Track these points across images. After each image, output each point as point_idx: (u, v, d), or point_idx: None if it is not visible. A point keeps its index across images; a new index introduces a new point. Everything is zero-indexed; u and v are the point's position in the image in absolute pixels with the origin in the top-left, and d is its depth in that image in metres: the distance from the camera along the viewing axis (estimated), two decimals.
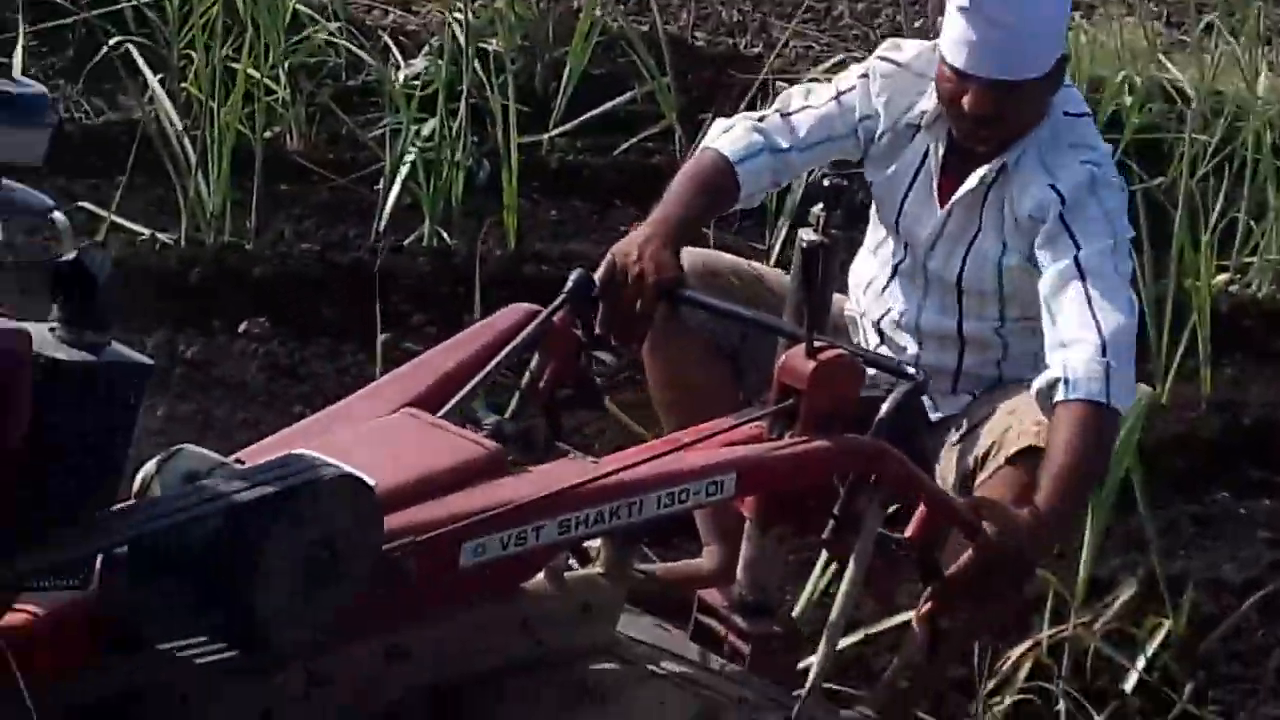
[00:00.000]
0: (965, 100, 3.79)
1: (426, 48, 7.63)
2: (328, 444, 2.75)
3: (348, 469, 2.46)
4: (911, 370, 3.50)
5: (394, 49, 7.22)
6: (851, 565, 3.19)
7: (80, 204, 6.03)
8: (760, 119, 4.03)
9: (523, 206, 6.85)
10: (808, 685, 3.14)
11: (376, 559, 2.47)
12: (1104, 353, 3.61)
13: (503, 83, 7.00)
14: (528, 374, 3.39)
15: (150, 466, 2.45)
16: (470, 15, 7.26)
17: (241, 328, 5.69)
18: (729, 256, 4.29)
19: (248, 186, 6.36)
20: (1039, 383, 3.65)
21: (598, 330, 3.54)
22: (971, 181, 3.91)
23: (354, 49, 7.41)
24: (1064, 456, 3.53)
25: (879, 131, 4.04)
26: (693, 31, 9.30)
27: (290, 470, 2.41)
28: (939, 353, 4.03)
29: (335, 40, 7.55)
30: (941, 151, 3.97)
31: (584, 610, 3.10)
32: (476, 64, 7.00)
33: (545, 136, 7.50)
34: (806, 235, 3.61)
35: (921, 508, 3.26)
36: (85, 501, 2.26)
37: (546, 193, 7.24)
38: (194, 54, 6.57)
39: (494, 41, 7.72)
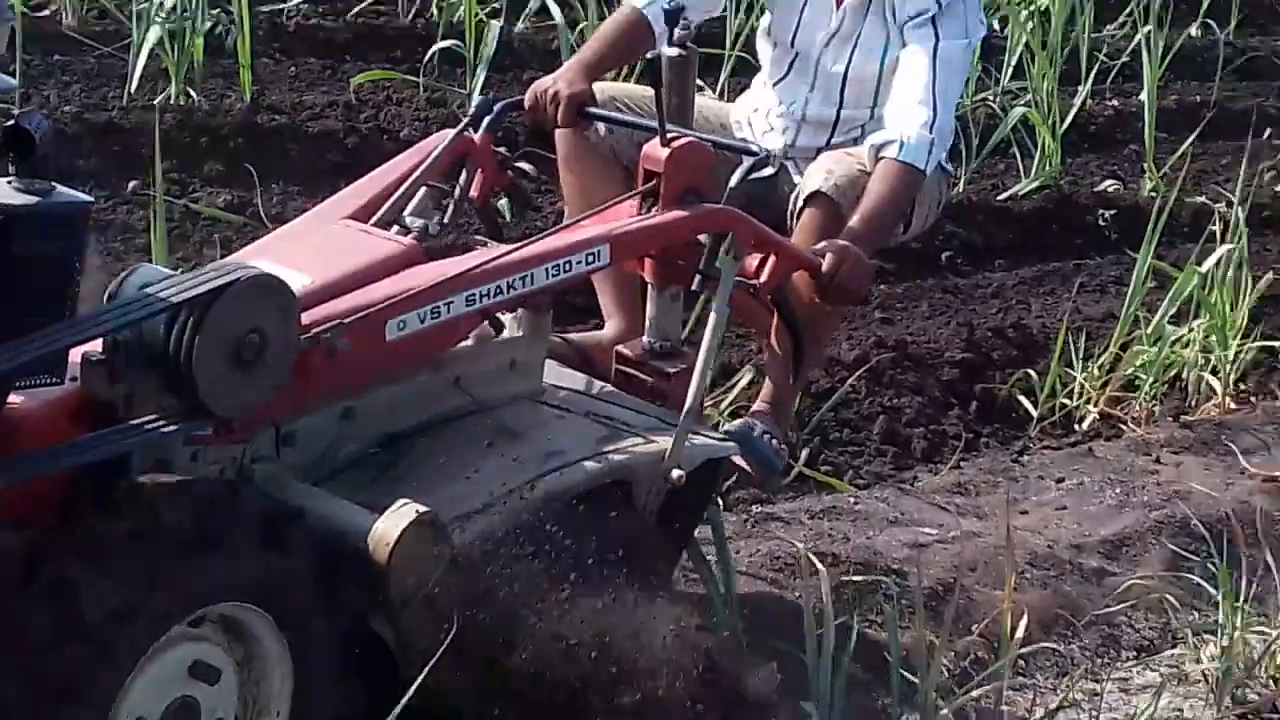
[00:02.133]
0: None
1: None
2: (275, 253, 3.32)
3: (265, 271, 2.87)
4: (754, 147, 4.08)
5: None
6: (714, 308, 3.72)
7: None
8: None
9: (264, 66, 7.42)
10: (686, 405, 3.63)
11: (299, 342, 2.90)
12: (931, 129, 4.39)
13: None
14: (458, 186, 3.83)
15: (115, 281, 2.87)
16: None
17: None
18: (630, 86, 4.91)
19: (23, 58, 6.66)
20: (875, 139, 4.40)
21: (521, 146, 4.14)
22: None
23: None
24: (880, 201, 4.29)
25: None
26: None
27: (219, 275, 2.78)
28: (813, 137, 4.72)
29: None
30: None
31: (510, 366, 3.59)
32: None
33: (285, 5, 7.92)
34: (665, 51, 4.09)
35: (771, 257, 3.80)
36: (50, 312, 2.66)
37: (286, 53, 7.67)
38: None
39: None
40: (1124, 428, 5.67)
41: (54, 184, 2.69)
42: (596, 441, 3.51)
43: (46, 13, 7.55)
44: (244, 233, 5.65)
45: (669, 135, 3.73)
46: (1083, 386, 5.72)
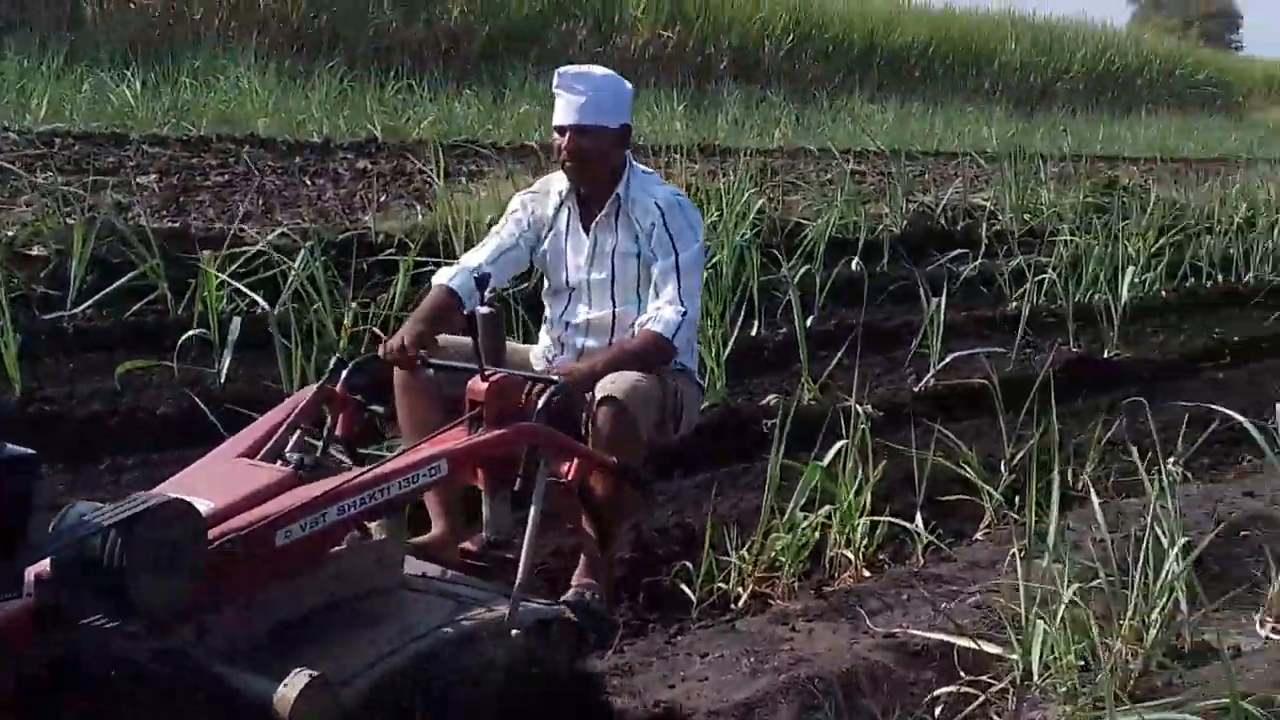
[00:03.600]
0: (565, 145, 5.11)
1: None
2: (185, 484, 3.49)
3: (174, 496, 3.11)
4: (555, 377, 4.41)
5: None
6: (534, 503, 4.03)
7: None
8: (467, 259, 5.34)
9: (45, 364, 7.20)
10: (517, 581, 3.86)
11: (207, 553, 3.10)
12: (682, 316, 5.09)
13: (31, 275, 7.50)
14: (325, 426, 4.13)
15: (59, 514, 3.02)
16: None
17: None
18: (454, 337, 5.09)
19: None
20: (641, 319, 5.10)
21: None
22: (601, 212, 5.22)
23: None
24: (628, 350, 5.02)
25: (535, 223, 5.37)
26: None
27: (139, 502, 2.98)
28: (600, 338, 5.27)
29: None
30: (575, 204, 5.29)
31: (377, 563, 3.79)
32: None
33: (66, 312, 7.75)
34: (479, 310, 4.40)
35: (574, 460, 4.25)
36: (8, 539, 2.84)
37: (66, 351, 7.45)
38: None
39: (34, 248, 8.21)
40: (771, 603, 5.53)
41: (4, 443, 2.89)
42: (448, 613, 3.71)
43: None
44: None
45: (487, 372, 4.09)
46: (737, 571, 5.59)
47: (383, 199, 11.51)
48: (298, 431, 4.00)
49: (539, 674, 3.81)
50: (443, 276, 5.24)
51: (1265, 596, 5.81)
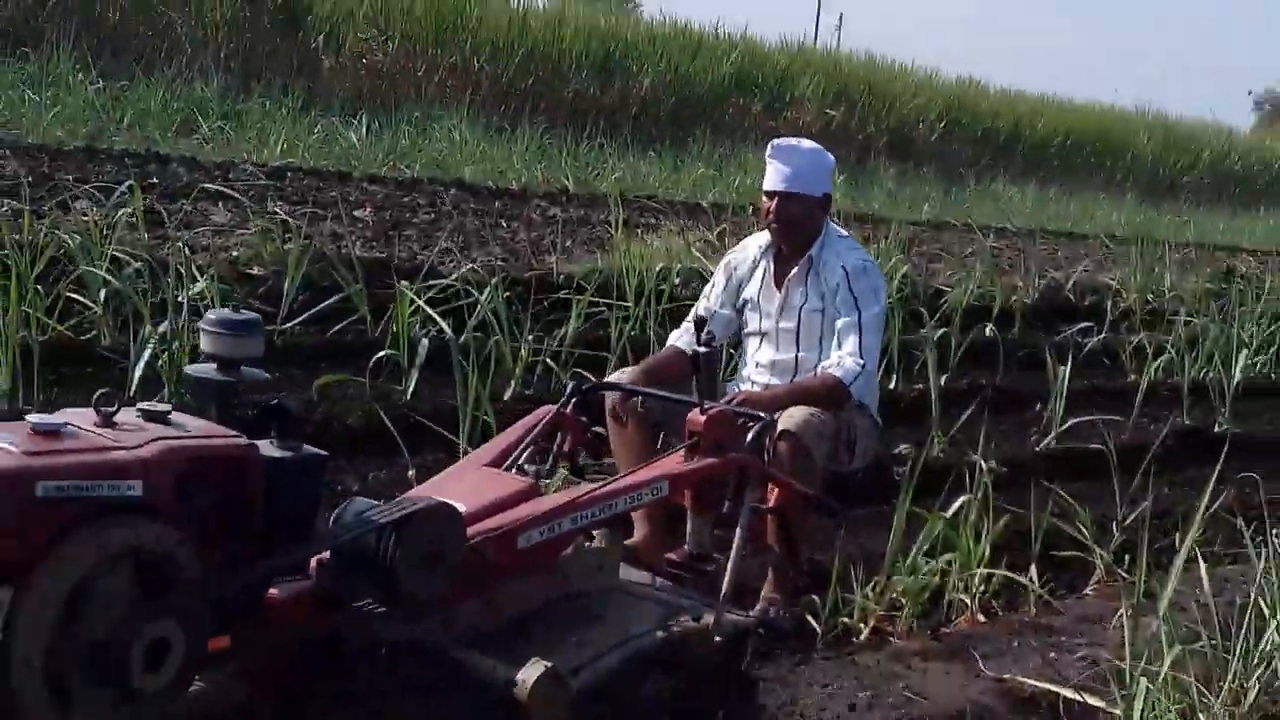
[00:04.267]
0: (773, 208, 5.11)
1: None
2: (442, 489, 3.59)
3: (441, 500, 3.23)
4: (762, 415, 4.35)
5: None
6: (740, 525, 4.05)
7: None
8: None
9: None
10: (722, 593, 3.92)
11: (464, 551, 3.20)
12: (861, 368, 5.02)
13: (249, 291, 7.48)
14: (555, 443, 4.27)
15: (337, 510, 3.16)
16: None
17: None
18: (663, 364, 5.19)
19: None
20: (825, 366, 5.03)
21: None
22: (794, 269, 5.17)
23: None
24: (806, 387, 4.99)
25: (736, 281, 5.39)
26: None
27: (410, 504, 3.13)
28: (783, 377, 5.22)
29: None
30: (772, 260, 5.27)
31: (598, 566, 3.83)
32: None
33: (276, 327, 7.65)
34: (699, 349, 4.39)
35: (775, 489, 4.34)
36: (304, 528, 2.99)
37: (275, 362, 7.21)
38: None
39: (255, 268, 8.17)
40: (890, 640, 5.28)
41: (301, 444, 3.01)
42: (660, 618, 3.74)
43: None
44: None
45: (706, 406, 4.14)
46: (860, 608, 5.33)
47: (567, 244, 11.41)
48: (531, 447, 4.11)
49: (730, 677, 3.91)
50: (673, 337, 5.42)
51: None
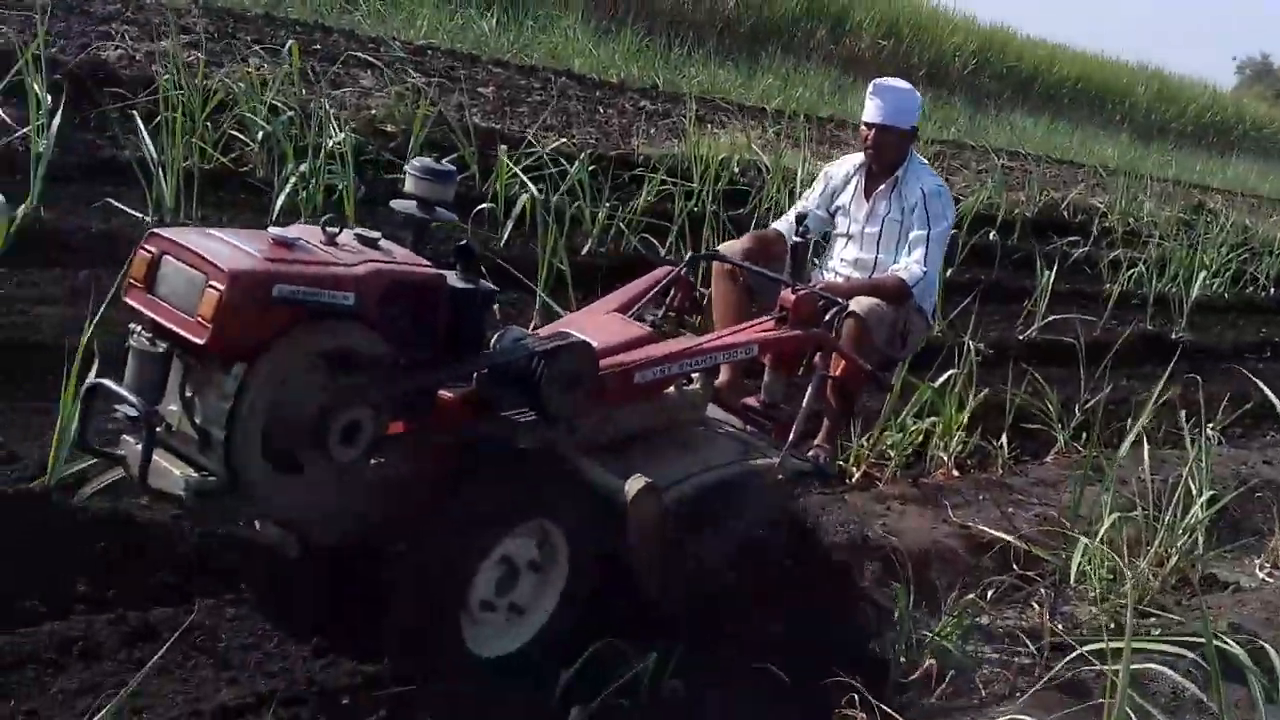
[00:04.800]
0: (870, 137, 5.03)
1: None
2: (580, 326, 3.55)
3: (582, 338, 3.24)
4: (839, 300, 4.19)
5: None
6: (811, 388, 3.95)
7: None
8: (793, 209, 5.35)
9: (379, 211, 6.85)
10: (789, 439, 3.86)
11: (595, 380, 3.21)
12: (924, 273, 4.88)
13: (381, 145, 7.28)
14: (666, 298, 4.23)
15: (496, 335, 3.15)
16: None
17: None
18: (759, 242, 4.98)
19: None
20: (895, 267, 4.90)
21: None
22: (882, 186, 5.07)
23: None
24: (874, 283, 4.84)
25: (831, 188, 5.25)
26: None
27: (558, 338, 3.20)
28: (864, 271, 5.07)
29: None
30: (864, 176, 5.16)
31: (692, 404, 3.82)
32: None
33: (400, 176, 7.39)
34: (792, 238, 4.31)
35: (840, 361, 4.23)
36: (472, 347, 2.99)
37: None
38: None
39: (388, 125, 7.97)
40: (877, 484, 5.16)
41: (479, 278, 3.01)
42: (739, 454, 3.77)
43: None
44: None
45: (797, 287, 4.06)
46: (854, 455, 5.23)
47: (650, 131, 11.10)
48: (648, 299, 4.11)
49: (786, 509, 3.96)
50: (777, 223, 5.29)
51: (1267, 546, 5.47)
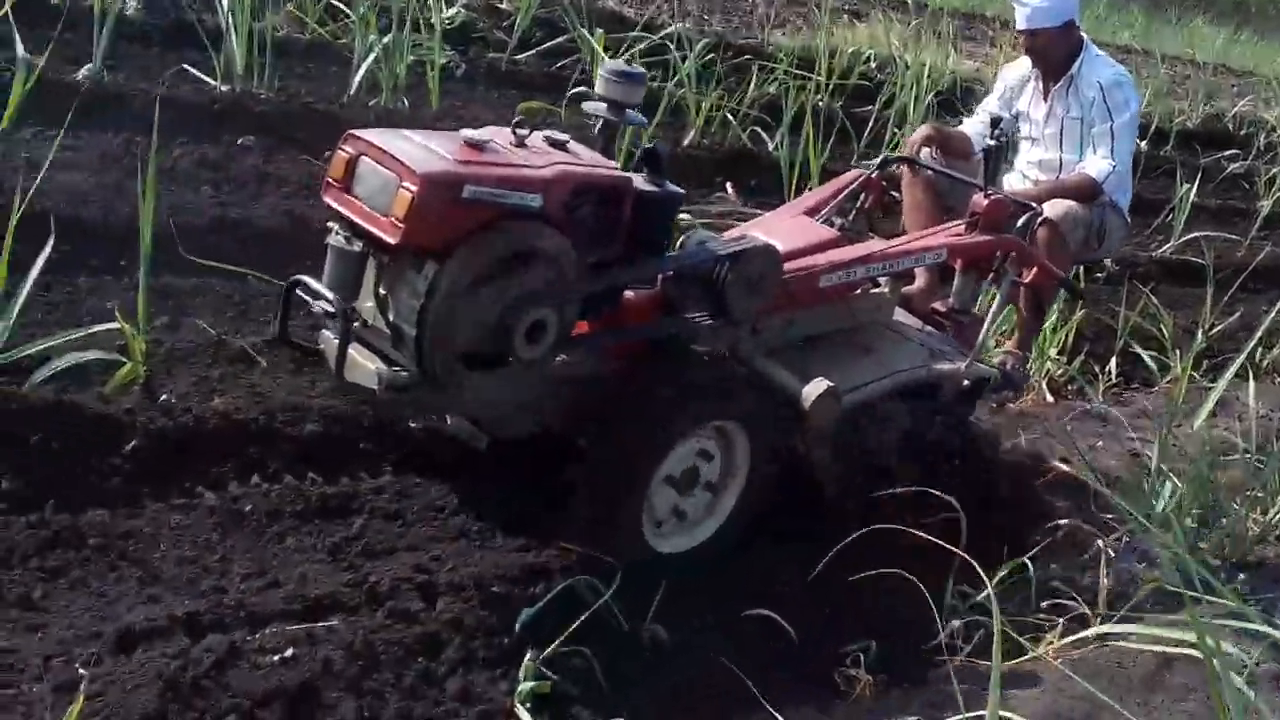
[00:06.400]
0: (1025, 43, 5.00)
1: None
2: (767, 229, 3.51)
3: (766, 241, 3.20)
4: (1032, 205, 4.04)
5: None
6: (1000, 291, 3.96)
7: None
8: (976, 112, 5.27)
9: (478, 91, 6.58)
10: (976, 344, 3.82)
11: (779, 283, 3.20)
12: (1113, 167, 4.78)
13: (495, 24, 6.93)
14: (858, 201, 4.15)
15: (681, 238, 3.20)
16: None
17: None
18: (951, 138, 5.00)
19: None
20: (1082, 165, 4.83)
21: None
22: (1058, 85, 4.96)
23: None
24: (1063, 184, 4.80)
25: (1010, 91, 5.18)
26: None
27: (742, 241, 3.17)
28: (1050, 173, 5.00)
29: None
30: (1038, 79, 5.05)
31: (877, 307, 3.76)
32: None
33: (504, 56, 7.06)
34: (989, 143, 4.20)
35: (1033, 268, 4.05)
36: (658, 249, 2.97)
37: (497, 85, 6.79)
38: None
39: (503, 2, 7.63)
40: None
41: (665, 181, 2.95)
42: (923, 359, 3.68)
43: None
44: None
45: (989, 191, 3.94)
46: None
47: (798, 21, 10.46)
48: (838, 200, 4.02)
49: (969, 416, 3.81)
50: (965, 124, 5.23)
51: None
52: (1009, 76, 5.24)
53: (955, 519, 3.03)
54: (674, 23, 7.72)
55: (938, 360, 3.70)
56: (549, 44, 7.28)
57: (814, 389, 3.18)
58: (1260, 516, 4.10)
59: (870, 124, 7.23)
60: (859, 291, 3.68)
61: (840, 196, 4.05)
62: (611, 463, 2.89)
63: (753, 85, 7.24)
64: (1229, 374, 4.26)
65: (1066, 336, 5.07)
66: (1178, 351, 5.55)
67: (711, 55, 7.25)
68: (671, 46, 6.83)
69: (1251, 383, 4.40)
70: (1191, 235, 7.35)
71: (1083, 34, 5.07)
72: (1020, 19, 4.96)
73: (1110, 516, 3.85)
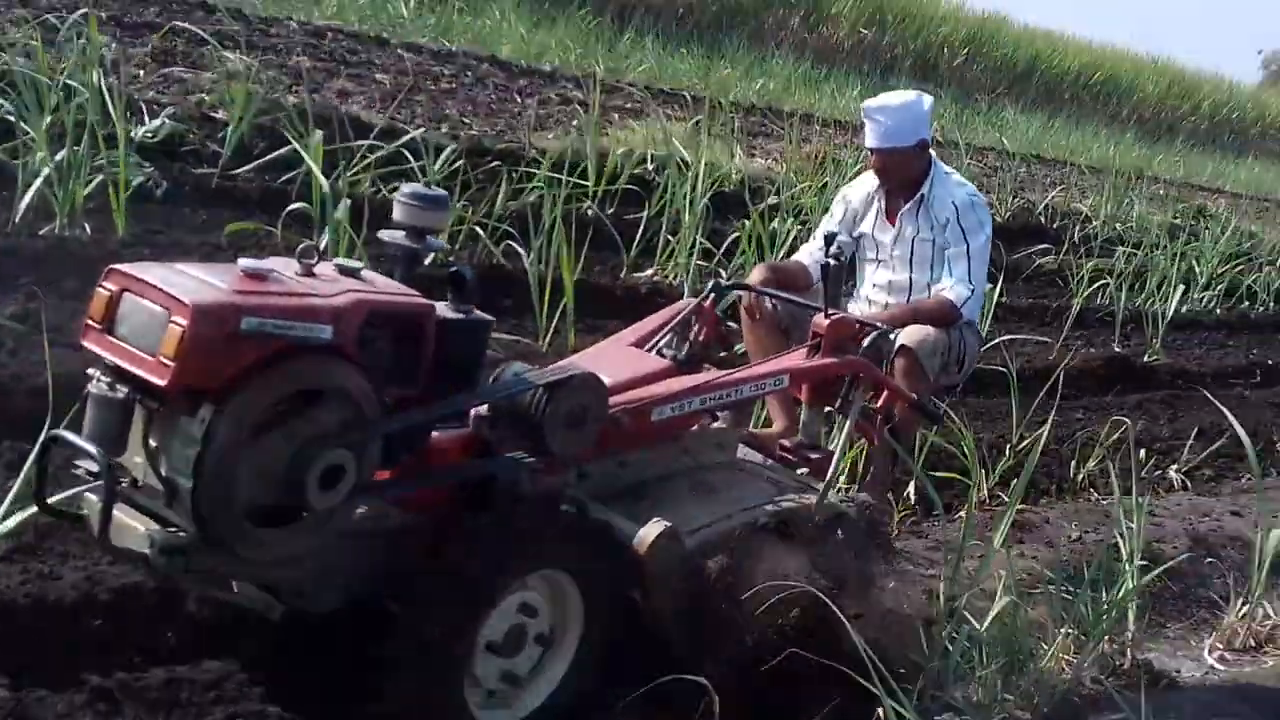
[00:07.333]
0: (874, 162, 5.07)
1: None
2: (590, 361, 3.50)
3: (588, 370, 3.13)
4: (880, 325, 4.09)
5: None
6: (848, 421, 3.92)
7: None
8: (811, 237, 5.36)
9: (183, 212, 6.30)
10: (826, 479, 3.73)
11: (605, 417, 3.15)
12: (971, 291, 4.90)
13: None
14: (691, 331, 4.03)
15: (497, 370, 3.12)
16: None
17: None
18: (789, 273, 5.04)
19: None
20: (940, 288, 4.92)
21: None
22: (907, 206, 5.04)
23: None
24: (919, 308, 4.88)
25: (850, 212, 5.23)
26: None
27: (562, 371, 3.09)
28: (900, 294, 5.08)
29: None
30: (883, 198, 5.13)
31: (717, 445, 3.78)
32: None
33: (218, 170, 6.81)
34: (827, 260, 4.12)
35: (885, 391, 4.13)
36: (467, 384, 2.93)
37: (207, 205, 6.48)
38: None
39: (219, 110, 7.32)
40: None
41: (473, 308, 2.94)
42: (769, 496, 3.64)
43: None
44: None
45: (830, 312, 3.97)
46: None
47: (574, 123, 10.33)
48: (669, 333, 3.99)
49: (826, 553, 3.62)
50: (798, 254, 5.27)
51: (1222, 622, 4.73)
52: (851, 197, 5.29)
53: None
54: (415, 129, 7.46)
55: (784, 495, 3.67)
56: (270, 155, 6.93)
57: (650, 531, 3.13)
58: (1073, 657, 3.92)
59: (641, 231, 7.04)
60: (696, 427, 3.70)
61: (670, 326, 4.02)
62: (424, 631, 2.78)
63: (506, 194, 6.99)
64: (1018, 492, 4.12)
65: (854, 463, 4.87)
66: (983, 472, 5.41)
67: (460, 163, 6.99)
68: (408, 155, 6.55)
69: (1060, 504, 4.25)
70: (999, 339, 7.30)
71: (932, 153, 5.15)
72: (872, 137, 5.02)
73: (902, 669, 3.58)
